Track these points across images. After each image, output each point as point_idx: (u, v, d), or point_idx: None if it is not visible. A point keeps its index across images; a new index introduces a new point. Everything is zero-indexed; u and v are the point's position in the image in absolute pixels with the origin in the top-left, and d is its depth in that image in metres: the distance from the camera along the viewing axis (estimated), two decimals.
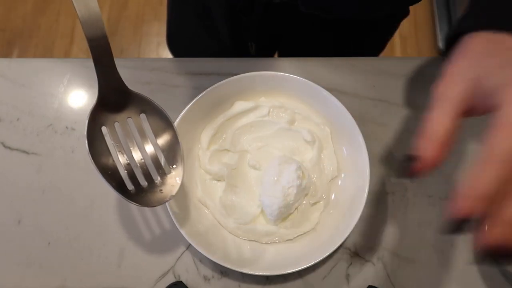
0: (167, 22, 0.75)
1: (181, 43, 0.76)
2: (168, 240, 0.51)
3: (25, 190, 0.53)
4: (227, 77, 0.51)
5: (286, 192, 0.47)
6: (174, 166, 0.42)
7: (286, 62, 0.57)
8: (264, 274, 0.46)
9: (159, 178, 0.41)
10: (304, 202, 0.50)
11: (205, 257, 0.46)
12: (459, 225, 0.28)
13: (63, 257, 0.50)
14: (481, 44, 0.31)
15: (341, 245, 0.47)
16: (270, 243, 0.49)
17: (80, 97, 0.57)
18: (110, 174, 0.38)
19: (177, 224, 0.46)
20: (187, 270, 0.50)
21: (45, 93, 0.56)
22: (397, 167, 0.32)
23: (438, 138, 0.30)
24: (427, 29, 1.49)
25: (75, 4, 0.35)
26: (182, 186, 0.42)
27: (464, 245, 0.50)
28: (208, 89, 0.51)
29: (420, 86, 0.57)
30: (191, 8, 0.67)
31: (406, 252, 0.50)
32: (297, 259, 0.47)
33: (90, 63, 0.58)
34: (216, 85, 0.51)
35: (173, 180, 0.41)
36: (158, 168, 0.41)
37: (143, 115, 0.42)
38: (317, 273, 0.50)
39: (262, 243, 0.49)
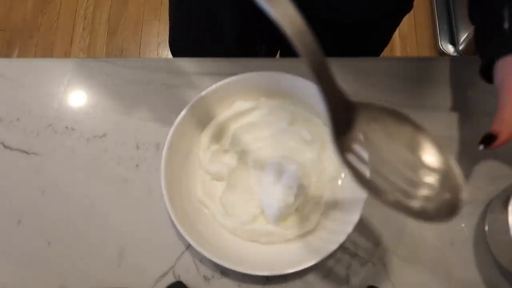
0: (170, 28, 0.75)
1: (185, 49, 0.75)
2: (168, 240, 0.51)
3: (25, 190, 0.53)
4: (227, 77, 0.51)
5: (286, 193, 0.47)
6: (445, 163, 0.33)
7: (286, 62, 0.57)
8: (264, 274, 0.46)
9: (437, 184, 0.33)
10: (304, 202, 0.50)
11: (205, 257, 0.46)
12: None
13: (63, 257, 0.50)
14: None
15: (341, 245, 0.47)
16: (270, 243, 0.49)
17: (80, 97, 0.57)
18: (392, 201, 0.32)
19: (177, 224, 0.46)
20: (187, 270, 0.50)
21: (45, 93, 0.56)
22: (480, 140, 0.42)
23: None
24: (427, 29, 1.49)
25: (279, 21, 0.31)
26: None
27: (464, 245, 0.50)
28: (208, 89, 0.51)
29: (420, 86, 0.57)
30: (196, 14, 0.66)
31: (406, 252, 0.50)
32: (297, 259, 0.47)
33: (90, 63, 0.58)
34: (216, 85, 0.51)
35: (454, 180, 0.33)
36: (428, 174, 0.34)
37: (374, 124, 0.35)
38: (317, 273, 0.50)
39: (262, 243, 0.49)
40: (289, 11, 0.31)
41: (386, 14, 0.61)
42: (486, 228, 0.50)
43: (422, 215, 0.32)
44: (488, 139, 0.42)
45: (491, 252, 0.49)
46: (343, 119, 0.34)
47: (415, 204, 0.32)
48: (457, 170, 0.33)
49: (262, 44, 0.67)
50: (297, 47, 0.32)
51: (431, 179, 0.33)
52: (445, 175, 0.33)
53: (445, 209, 0.32)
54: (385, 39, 0.72)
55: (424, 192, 0.33)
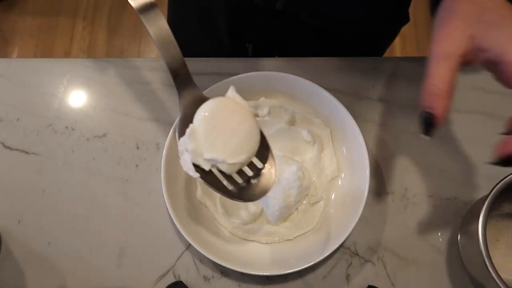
0: (167, 23, 0.75)
1: (180, 43, 0.76)
2: (168, 240, 0.51)
3: (25, 190, 0.53)
4: (227, 77, 0.51)
5: (287, 193, 0.47)
6: (266, 161, 0.40)
7: (286, 62, 0.57)
8: (264, 274, 0.46)
9: (254, 174, 0.40)
10: (304, 202, 0.50)
11: (205, 257, 0.46)
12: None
13: (63, 257, 0.50)
14: (466, 6, 0.35)
15: (341, 245, 0.47)
16: (270, 243, 0.49)
17: (80, 97, 0.57)
18: (209, 179, 0.39)
19: (177, 224, 0.46)
20: (187, 270, 0.50)
21: (45, 93, 0.56)
22: (419, 127, 0.36)
23: (445, 93, 0.34)
24: (427, 29, 1.49)
25: (149, 29, 0.39)
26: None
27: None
28: (208, 89, 0.50)
29: (420, 86, 0.56)
30: (191, 9, 0.67)
31: (406, 252, 0.50)
32: (297, 259, 0.47)
33: (90, 63, 0.58)
34: (216, 85, 0.51)
35: (268, 174, 0.40)
36: (252, 166, 0.40)
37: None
38: (317, 273, 0.50)
39: (262, 243, 0.49)
40: (159, 20, 0.40)
41: (383, 24, 0.61)
42: (459, 239, 0.49)
43: (233, 196, 0.39)
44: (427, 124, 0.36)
45: (462, 263, 0.49)
46: (195, 112, 0.39)
47: (231, 187, 0.39)
48: (273, 170, 0.40)
49: (249, 43, 0.67)
50: (160, 50, 0.40)
51: (253, 172, 0.40)
52: (264, 172, 0.40)
53: (254, 193, 0.39)
54: (384, 45, 0.73)
55: (244, 179, 0.39)
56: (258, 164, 0.40)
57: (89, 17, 1.53)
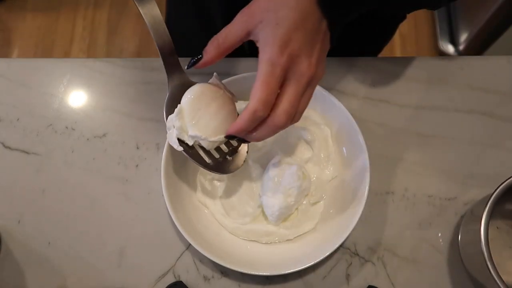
0: (165, 21, 0.75)
1: (179, 41, 0.76)
2: (168, 240, 0.51)
3: (25, 190, 0.53)
4: (227, 77, 0.51)
5: (287, 193, 0.47)
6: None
7: None
8: (264, 274, 0.46)
9: (230, 152, 0.46)
10: (304, 202, 0.50)
11: (205, 257, 0.46)
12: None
13: (63, 257, 0.50)
14: None
15: (341, 245, 0.47)
16: (270, 243, 0.49)
17: (80, 97, 0.57)
18: (191, 153, 0.44)
19: (177, 224, 0.46)
20: (187, 270, 0.50)
21: (45, 93, 0.56)
22: (189, 62, 0.42)
23: (223, 49, 0.40)
24: (427, 29, 1.49)
25: (143, 15, 0.43)
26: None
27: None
28: None
29: (420, 86, 0.57)
30: (189, 9, 0.67)
31: (406, 252, 0.50)
32: (297, 259, 0.47)
33: (90, 63, 0.58)
34: None
35: (241, 151, 0.47)
36: (228, 145, 0.46)
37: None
38: (317, 273, 0.50)
39: (262, 243, 0.49)
40: (153, 9, 0.44)
41: (380, 22, 0.61)
42: (459, 238, 0.49)
43: (210, 168, 0.45)
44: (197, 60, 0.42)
45: (462, 263, 0.49)
46: (181, 94, 0.44)
47: (209, 161, 0.45)
48: (245, 149, 0.47)
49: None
50: (153, 36, 0.43)
51: (229, 149, 0.46)
52: (238, 150, 0.46)
53: (229, 168, 0.46)
54: (382, 42, 0.73)
55: (220, 155, 0.46)
56: (234, 143, 0.46)
57: (89, 17, 1.53)
